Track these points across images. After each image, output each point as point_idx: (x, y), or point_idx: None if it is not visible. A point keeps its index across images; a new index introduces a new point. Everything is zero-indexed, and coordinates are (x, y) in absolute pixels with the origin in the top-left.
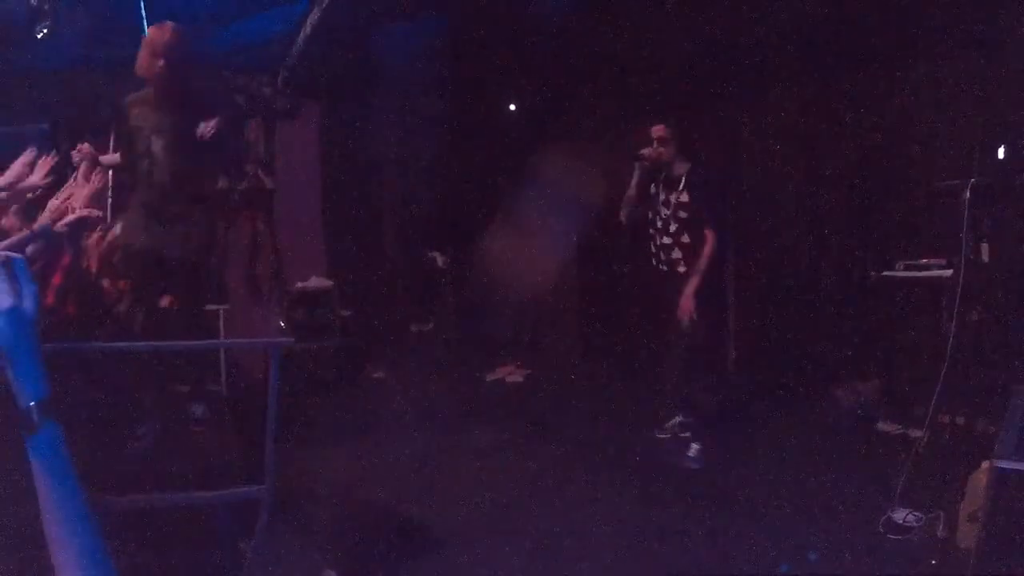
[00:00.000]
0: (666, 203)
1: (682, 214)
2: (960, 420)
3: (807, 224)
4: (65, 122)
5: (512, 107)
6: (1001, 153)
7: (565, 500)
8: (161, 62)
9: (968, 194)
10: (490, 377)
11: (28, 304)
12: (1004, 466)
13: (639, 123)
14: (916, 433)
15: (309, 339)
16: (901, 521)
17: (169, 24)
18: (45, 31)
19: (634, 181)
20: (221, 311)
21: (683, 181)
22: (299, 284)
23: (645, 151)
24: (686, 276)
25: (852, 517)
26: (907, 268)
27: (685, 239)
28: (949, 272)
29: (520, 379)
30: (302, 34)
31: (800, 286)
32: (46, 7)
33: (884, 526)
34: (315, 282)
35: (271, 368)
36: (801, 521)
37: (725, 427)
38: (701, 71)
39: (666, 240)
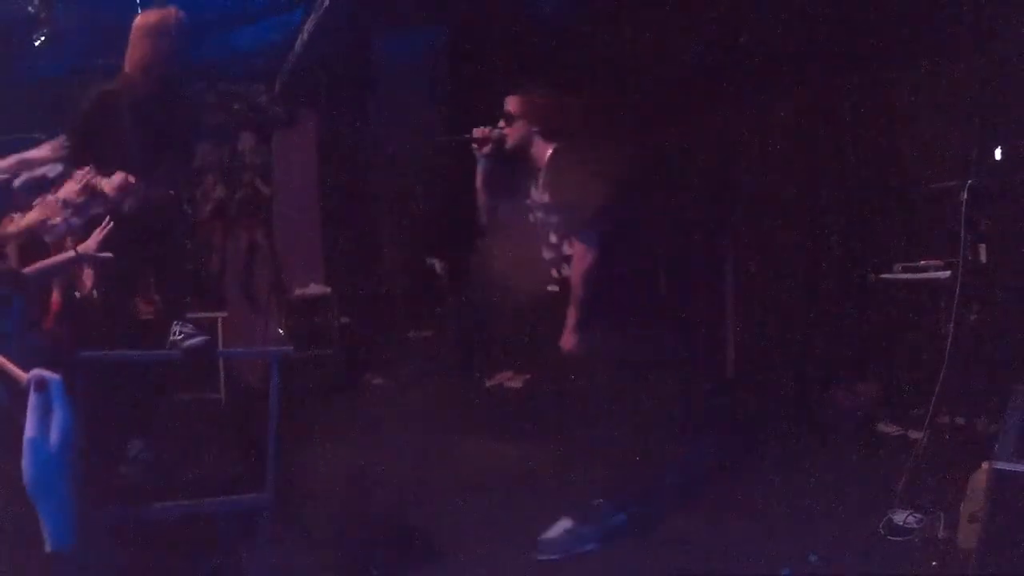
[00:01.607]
0: (540, 206)
1: (552, 218)
2: (960, 421)
3: (805, 226)
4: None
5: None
6: (998, 154)
7: (565, 501)
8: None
9: (965, 195)
10: (489, 383)
11: (56, 437)
12: (1004, 467)
13: (637, 125)
14: (916, 434)
15: (307, 346)
16: (901, 522)
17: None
18: (43, 39)
19: (479, 174)
20: (219, 319)
21: (544, 172)
22: (297, 291)
23: (479, 131)
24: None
25: (852, 518)
26: (905, 270)
27: (567, 249)
28: (947, 274)
29: (519, 384)
30: (298, 42)
31: (799, 288)
32: (43, 15)
33: (884, 527)
34: (313, 289)
35: (271, 376)
36: (801, 522)
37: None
38: (700, 71)
39: (547, 253)
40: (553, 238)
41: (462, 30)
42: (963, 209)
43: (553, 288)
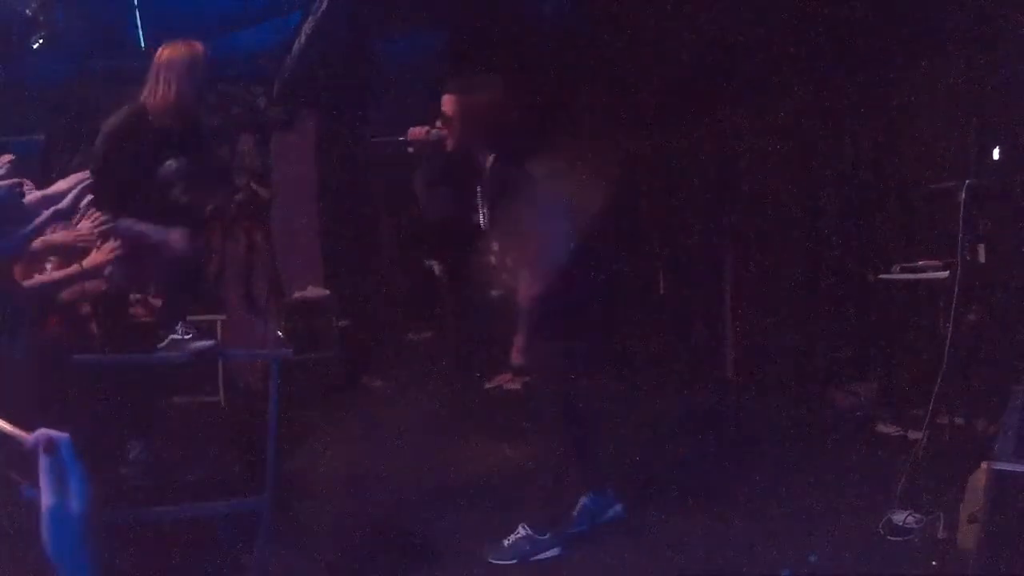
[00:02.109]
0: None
1: (494, 229)
2: (959, 421)
3: (804, 227)
4: (60, 134)
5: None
6: (996, 154)
7: (564, 502)
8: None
9: (964, 195)
10: (488, 385)
11: (75, 503)
12: (1003, 467)
13: (637, 126)
14: (915, 434)
15: (307, 348)
16: (901, 523)
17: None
18: (41, 41)
19: (417, 175)
20: (219, 322)
21: (485, 182)
22: (296, 293)
23: (414, 132)
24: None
25: (852, 519)
26: (904, 270)
27: (509, 261)
28: (946, 274)
29: (518, 386)
30: (297, 45)
31: (798, 288)
32: (42, 18)
33: (884, 528)
34: (312, 291)
35: (270, 378)
36: (801, 523)
37: (724, 429)
38: (700, 72)
39: (492, 259)
40: (495, 246)
41: (460, 32)
42: (962, 209)
43: (497, 292)
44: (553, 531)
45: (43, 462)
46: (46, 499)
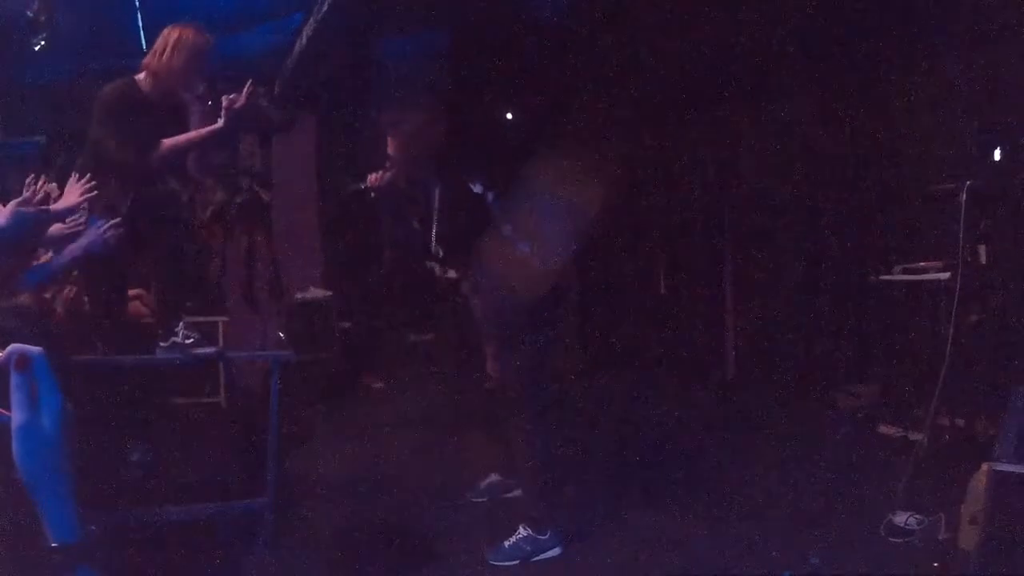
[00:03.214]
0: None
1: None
2: (960, 422)
3: (805, 227)
4: (60, 135)
5: (509, 116)
6: (997, 155)
7: (565, 503)
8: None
9: (965, 196)
10: (489, 386)
11: (47, 420)
12: (1004, 468)
13: (638, 126)
14: (916, 435)
15: (307, 350)
16: (902, 524)
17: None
18: (42, 43)
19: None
20: (220, 323)
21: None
22: (297, 295)
23: (372, 178)
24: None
25: (853, 520)
26: (905, 271)
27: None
28: (947, 275)
29: None
30: (298, 46)
31: (799, 289)
32: (43, 19)
33: (885, 529)
34: (313, 293)
35: (271, 380)
36: (802, 524)
37: (725, 430)
38: (700, 73)
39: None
40: (452, 274)
41: (462, 34)
42: (963, 210)
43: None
44: (553, 530)
45: (14, 379)
46: (17, 417)
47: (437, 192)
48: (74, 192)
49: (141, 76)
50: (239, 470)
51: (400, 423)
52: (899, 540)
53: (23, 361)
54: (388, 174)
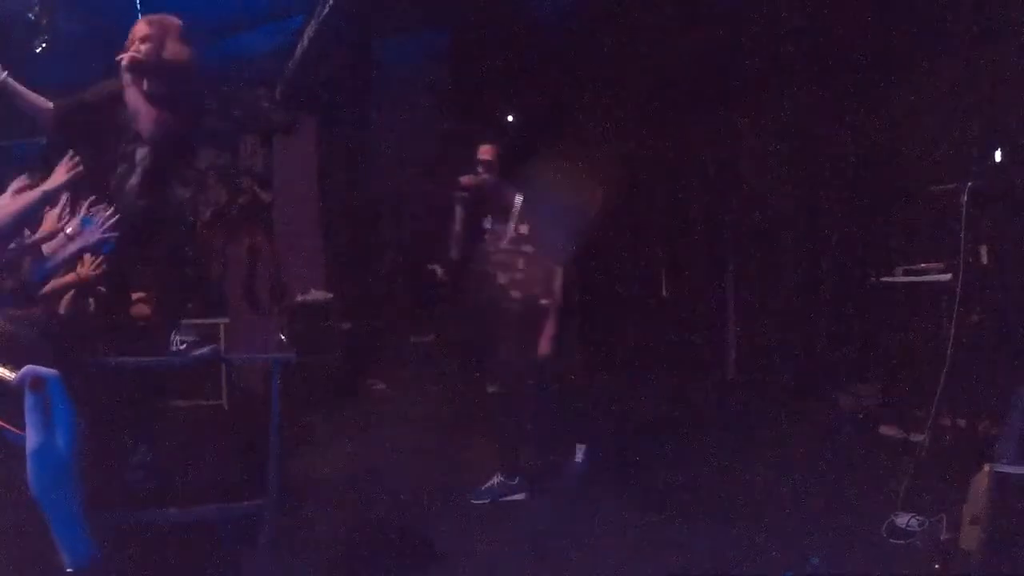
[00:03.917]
0: (501, 236)
1: (525, 247)
2: (961, 423)
3: (806, 229)
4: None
5: (510, 117)
6: (998, 155)
7: (565, 503)
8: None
9: (966, 197)
10: (491, 388)
11: (61, 441)
12: (1005, 469)
13: (639, 127)
14: (917, 437)
15: (309, 351)
16: (904, 525)
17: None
18: (44, 45)
19: (458, 217)
20: (222, 324)
21: (518, 210)
22: (299, 297)
23: (465, 179)
24: (533, 314)
25: (854, 521)
26: (906, 273)
27: (524, 275)
28: (948, 276)
29: None
30: (299, 48)
31: (800, 291)
32: (44, 21)
33: (887, 530)
34: (315, 294)
35: (273, 381)
36: (803, 525)
37: (727, 430)
38: (700, 74)
39: (502, 277)
40: (512, 261)
41: (462, 35)
42: (964, 211)
43: (514, 305)
44: (522, 477)
45: (29, 400)
46: (31, 438)
47: (518, 203)
48: (61, 171)
49: None
50: (240, 471)
51: (401, 424)
52: (900, 541)
53: (37, 382)
54: (480, 179)
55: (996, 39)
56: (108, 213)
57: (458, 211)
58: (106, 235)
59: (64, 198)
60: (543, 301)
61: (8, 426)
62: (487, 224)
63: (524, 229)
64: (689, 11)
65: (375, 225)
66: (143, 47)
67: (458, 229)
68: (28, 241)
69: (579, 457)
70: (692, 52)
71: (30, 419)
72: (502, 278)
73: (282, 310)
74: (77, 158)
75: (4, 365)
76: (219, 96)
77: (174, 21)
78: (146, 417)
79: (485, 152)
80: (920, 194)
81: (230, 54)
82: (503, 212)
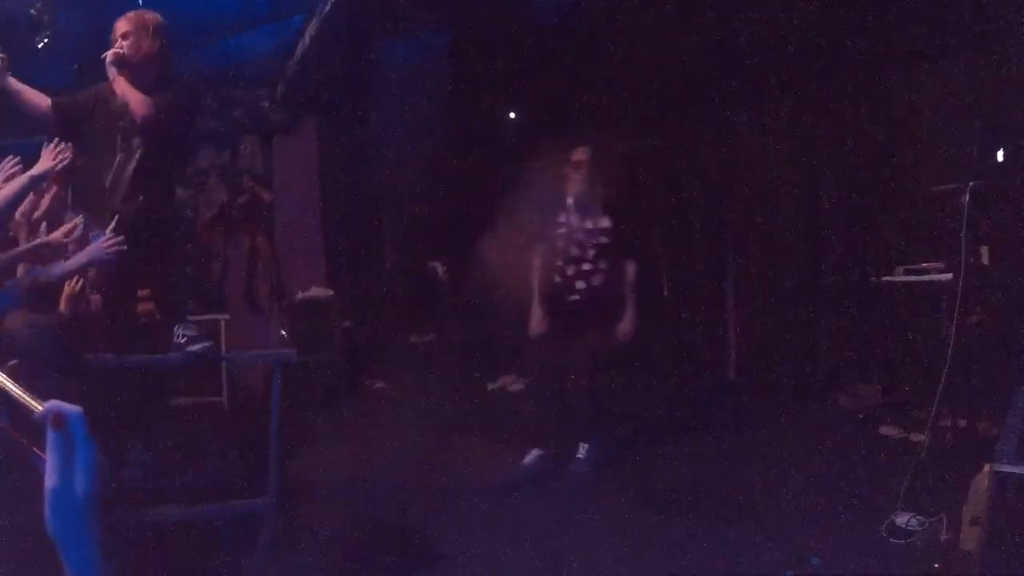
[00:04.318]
0: (580, 230)
1: (603, 239)
2: (962, 423)
3: (807, 228)
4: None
5: (512, 115)
6: (1000, 156)
7: (565, 503)
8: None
9: (967, 197)
10: (491, 386)
11: (80, 482)
12: (1005, 469)
13: (639, 128)
14: (918, 436)
15: (309, 350)
16: (904, 525)
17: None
18: (45, 41)
19: (531, 197)
20: (222, 322)
21: (602, 206)
22: (299, 295)
23: (575, 155)
24: (609, 306)
25: (854, 521)
26: (907, 273)
27: (603, 266)
28: (949, 276)
29: (521, 387)
30: (299, 47)
31: (801, 291)
32: (46, 18)
33: (887, 530)
34: (315, 292)
35: (273, 379)
36: (803, 525)
37: (727, 431)
38: (699, 75)
39: (584, 267)
40: (592, 254)
41: (463, 35)
42: (965, 211)
43: (573, 297)
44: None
45: (51, 438)
46: (50, 476)
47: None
48: (47, 157)
49: None
50: (241, 470)
51: (401, 424)
52: (900, 541)
53: (59, 419)
54: (580, 175)
55: (996, 39)
56: (113, 234)
57: (530, 193)
58: (111, 253)
59: (68, 208)
60: (619, 294)
61: (36, 450)
62: (563, 218)
63: (606, 223)
64: (689, 11)
65: (375, 225)
66: (125, 43)
67: (531, 210)
68: (31, 244)
69: (581, 454)
70: (691, 52)
71: (50, 459)
72: (581, 269)
73: (282, 309)
74: (63, 145)
75: (32, 397)
76: (219, 96)
77: (154, 16)
78: (145, 415)
79: (580, 153)
80: (921, 194)
81: (230, 54)
82: (588, 207)
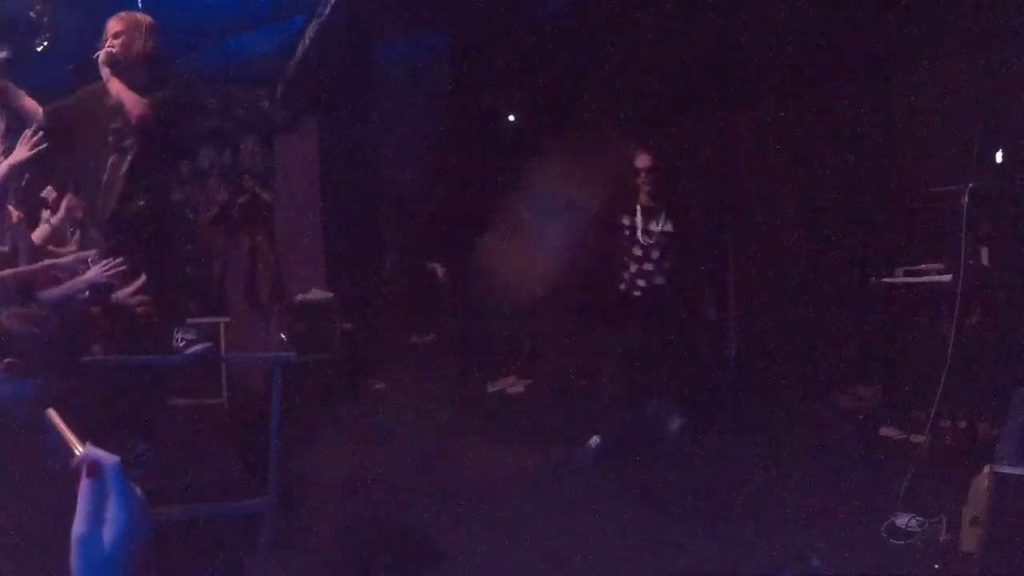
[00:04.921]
0: (645, 231)
1: (667, 242)
2: (962, 424)
3: (807, 229)
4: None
5: (511, 117)
6: (999, 156)
7: (566, 503)
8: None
9: (967, 198)
10: (491, 388)
11: (111, 534)
12: (1005, 470)
13: (639, 128)
14: (918, 437)
15: (309, 351)
16: (904, 526)
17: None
18: (45, 43)
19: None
20: (222, 324)
21: (664, 208)
22: (299, 296)
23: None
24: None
25: (854, 522)
26: (907, 274)
27: (668, 265)
28: (949, 277)
29: (521, 389)
30: (300, 47)
31: (801, 292)
32: (46, 19)
33: (887, 531)
34: (315, 294)
35: (273, 381)
36: (803, 526)
37: (727, 431)
38: (700, 75)
39: (647, 266)
40: (656, 253)
41: (463, 35)
42: (964, 212)
43: (636, 293)
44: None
45: (84, 485)
46: (79, 524)
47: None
48: (24, 146)
49: None
50: (240, 471)
51: (401, 424)
52: (900, 542)
53: (94, 468)
54: (647, 185)
55: (996, 39)
56: (112, 260)
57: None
58: (110, 276)
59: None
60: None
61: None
62: (626, 220)
63: (669, 227)
64: (689, 11)
65: (375, 225)
66: (116, 42)
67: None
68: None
69: (592, 444)
70: (691, 52)
71: (80, 506)
72: (643, 269)
73: (282, 310)
74: (41, 133)
75: (76, 438)
76: (219, 96)
77: (145, 17)
78: (145, 416)
79: (644, 160)
80: (920, 194)
81: (230, 54)
82: (652, 211)
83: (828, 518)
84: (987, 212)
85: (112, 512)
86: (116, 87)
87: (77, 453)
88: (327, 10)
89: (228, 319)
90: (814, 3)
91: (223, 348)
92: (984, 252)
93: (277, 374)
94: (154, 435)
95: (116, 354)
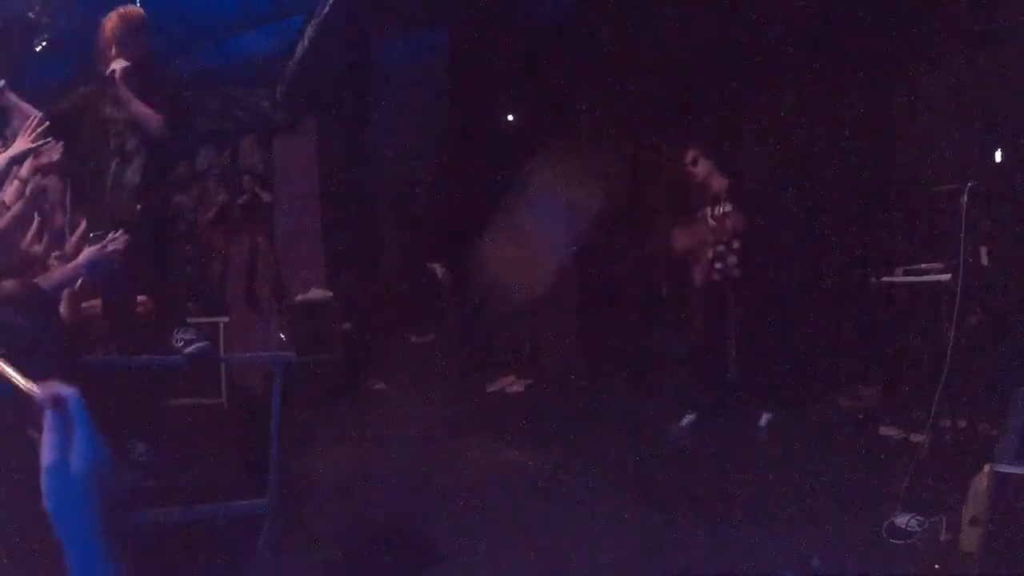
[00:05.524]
0: (708, 216)
1: (731, 224)
2: (961, 423)
3: (807, 229)
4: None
5: (511, 117)
6: (999, 156)
7: (566, 503)
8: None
9: (966, 197)
10: (491, 388)
11: (78, 462)
12: (1005, 470)
13: (639, 128)
14: (918, 437)
15: (309, 351)
16: (903, 525)
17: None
18: (44, 44)
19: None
20: (222, 324)
21: (724, 196)
22: (299, 296)
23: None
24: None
25: (854, 521)
26: (907, 273)
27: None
28: (948, 277)
29: (521, 389)
30: (300, 48)
31: (801, 291)
32: (45, 20)
33: (886, 530)
34: (315, 294)
35: (273, 381)
36: (803, 525)
37: (727, 431)
38: (700, 75)
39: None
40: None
41: (462, 35)
42: (964, 212)
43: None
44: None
45: (49, 419)
46: (47, 455)
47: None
48: (24, 138)
49: None
50: (240, 471)
51: (401, 424)
52: (900, 541)
53: (58, 401)
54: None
55: (996, 39)
56: (112, 236)
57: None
58: (109, 255)
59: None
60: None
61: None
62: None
63: (729, 209)
64: (689, 11)
65: (375, 225)
66: (124, 52)
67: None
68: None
69: (686, 421)
70: (691, 52)
71: (47, 438)
72: (709, 252)
73: (282, 310)
74: (40, 127)
75: (28, 380)
76: (219, 96)
77: (137, 10)
78: (145, 416)
79: (690, 156)
80: (920, 194)
81: (230, 54)
82: (712, 197)
83: (827, 517)
84: (987, 212)
85: (78, 441)
86: (126, 96)
87: (36, 392)
88: (327, 10)
89: (228, 319)
90: (814, 3)
91: (222, 348)
92: (984, 252)
93: (277, 374)
94: (154, 435)
95: (115, 354)
